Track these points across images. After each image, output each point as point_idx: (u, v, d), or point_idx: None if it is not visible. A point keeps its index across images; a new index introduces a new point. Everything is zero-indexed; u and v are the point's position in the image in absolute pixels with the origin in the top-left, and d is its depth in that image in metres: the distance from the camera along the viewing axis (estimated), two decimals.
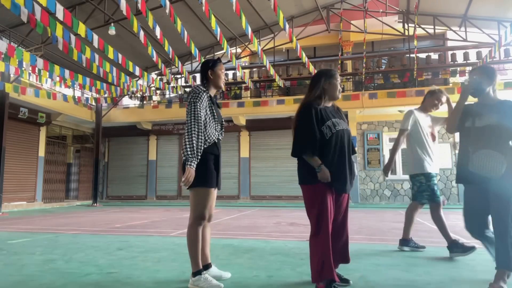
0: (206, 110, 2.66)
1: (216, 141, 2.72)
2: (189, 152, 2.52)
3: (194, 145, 2.53)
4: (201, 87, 2.72)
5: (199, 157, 2.56)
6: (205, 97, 2.66)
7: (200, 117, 2.59)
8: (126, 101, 16.33)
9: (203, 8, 7.03)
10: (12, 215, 9.65)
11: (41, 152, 13.49)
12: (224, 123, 2.91)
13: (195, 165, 2.53)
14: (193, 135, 2.54)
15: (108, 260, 3.58)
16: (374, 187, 13.92)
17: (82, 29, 6.90)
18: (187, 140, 2.54)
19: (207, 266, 2.82)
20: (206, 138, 2.64)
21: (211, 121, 2.67)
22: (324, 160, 2.53)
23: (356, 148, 2.97)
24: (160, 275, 3.01)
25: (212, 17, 7.46)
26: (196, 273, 2.60)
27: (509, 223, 2.37)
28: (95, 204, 13.95)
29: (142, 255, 3.86)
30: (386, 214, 9.09)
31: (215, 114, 2.72)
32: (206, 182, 2.60)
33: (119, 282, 2.80)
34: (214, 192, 2.82)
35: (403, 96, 12.03)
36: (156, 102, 15.68)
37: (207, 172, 2.61)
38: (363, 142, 14.16)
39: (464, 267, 3.23)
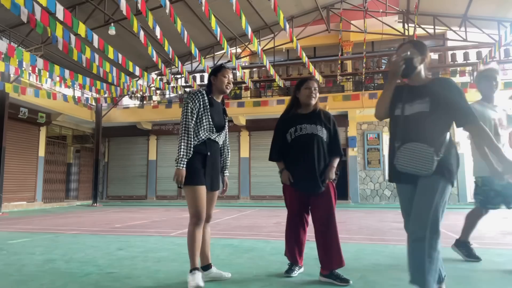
0: (200, 110, 2.71)
1: (207, 140, 2.74)
2: (178, 154, 2.62)
3: (183, 146, 2.61)
4: (200, 89, 2.80)
5: (189, 157, 2.62)
6: (201, 98, 2.73)
7: (190, 117, 2.66)
8: (126, 101, 16.34)
9: (203, 8, 7.03)
10: (12, 215, 9.65)
11: (41, 152, 13.49)
12: (226, 125, 2.92)
13: (183, 166, 2.59)
14: (183, 136, 2.63)
15: (108, 260, 3.58)
16: (374, 187, 13.93)
17: (82, 29, 6.90)
18: (179, 140, 2.65)
19: (207, 267, 2.82)
20: (195, 136, 2.70)
21: (203, 121, 2.71)
22: (286, 162, 2.95)
23: (342, 149, 2.96)
24: (160, 275, 3.01)
25: (212, 17, 7.46)
26: (192, 270, 2.62)
27: (426, 233, 1.95)
28: (95, 204, 13.95)
29: (142, 255, 3.87)
30: (386, 214, 9.09)
31: (211, 115, 2.74)
32: (191, 180, 2.63)
33: (119, 282, 2.80)
34: (213, 192, 2.82)
35: None
36: (156, 102, 15.68)
37: (191, 170, 2.64)
38: (363, 142, 14.16)
39: (464, 267, 3.24)
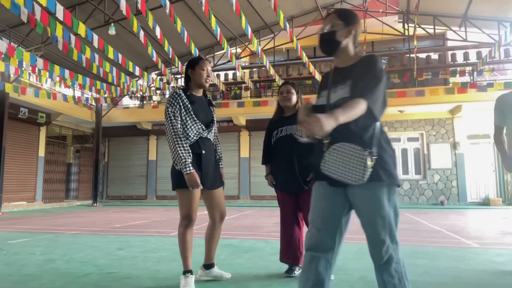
0: (181, 112, 2.58)
1: (199, 139, 2.63)
2: (177, 161, 2.49)
3: (181, 151, 2.49)
4: (176, 89, 2.66)
5: (190, 158, 2.50)
6: (179, 99, 2.59)
7: (175, 121, 2.54)
8: (126, 101, 16.33)
9: (203, 8, 7.03)
10: (12, 215, 9.65)
11: (41, 152, 13.49)
12: (214, 121, 2.78)
13: (190, 169, 2.47)
14: (176, 141, 2.50)
15: (108, 260, 3.58)
16: None
17: (82, 29, 6.90)
18: (172, 149, 2.51)
19: (210, 266, 2.83)
20: (185, 139, 2.57)
21: (188, 122, 2.59)
22: (272, 164, 3.12)
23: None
24: (160, 275, 3.01)
25: (212, 17, 7.46)
26: (185, 272, 2.58)
27: (390, 252, 1.65)
28: (95, 204, 13.95)
29: (142, 255, 3.87)
30: None
31: (194, 113, 2.61)
32: (184, 182, 2.50)
33: (119, 282, 2.80)
34: (216, 191, 2.74)
35: (403, 96, 12.03)
36: (156, 102, 15.67)
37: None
38: None
39: (464, 267, 3.23)
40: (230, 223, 7.17)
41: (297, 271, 2.96)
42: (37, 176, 13.26)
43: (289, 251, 2.98)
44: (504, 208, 11.45)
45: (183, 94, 2.62)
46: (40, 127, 13.37)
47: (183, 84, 12.67)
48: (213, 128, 2.78)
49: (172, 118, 2.55)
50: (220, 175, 2.83)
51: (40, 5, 5.89)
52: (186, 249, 2.60)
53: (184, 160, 2.47)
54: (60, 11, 6.04)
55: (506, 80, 12.31)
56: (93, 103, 13.37)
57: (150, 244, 4.55)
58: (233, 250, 4.11)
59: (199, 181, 2.49)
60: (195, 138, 2.62)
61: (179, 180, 2.54)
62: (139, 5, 6.70)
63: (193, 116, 2.61)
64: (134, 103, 16.29)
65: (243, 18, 7.43)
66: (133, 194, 16.08)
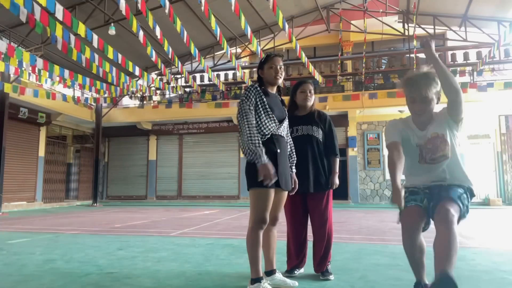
0: (257, 106, 2.51)
1: (274, 137, 2.53)
2: (251, 153, 2.41)
3: (255, 142, 2.40)
4: (252, 84, 2.61)
5: (262, 151, 2.39)
6: (255, 92, 2.53)
7: (249, 115, 2.46)
8: (126, 101, 16.33)
9: (203, 8, 7.03)
10: (12, 215, 9.65)
11: (41, 152, 13.49)
12: (286, 117, 2.67)
13: (265, 160, 2.36)
14: (247, 135, 2.41)
15: (108, 260, 3.58)
16: (374, 187, 13.92)
17: (82, 29, 6.90)
18: (244, 141, 2.43)
19: (271, 272, 2.66)
20: (260, 133, 2.50)
21: (263, 115, 2.50)
22: None
23: (337, 149, 2.97)
24: (160, 275, 3.00)
25: (212, 17, 7.46)
26: (255, 280, 2.38)
27: None
28: (95, 204, 13.95)
29: (142, 255, 3.86)
30: (386, 214, 9.08)
31: (269, 107, 2.53)
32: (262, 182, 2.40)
33: (119, 282, 2.80)
34: (283, 193, 2.64)
35: (403, 96, 12.00)
36: (156, 102, 15.68)
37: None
38: (363, 142, 14.16)
39: (464, 267, 3.23)
40: (229, 223, 7.17)
41: (297, 272, 2.96)
42: (37, 176, 13.26)
43: (300, 256, 2.97)
44: (504, 208, 11.45)
45: (258, 88, 2.57)
46: (40, 127, 13.37)
47: (183, 84, 12.61)
48: (286, 127, 2.68)
49: (248, 111, 2.46)
50: (290, 177, 2.68)
51: (40, 5, 5.89)
52: (259, 254, 2.43)
53: (259, 150, 2.37)
54: (59, 11, 6.04)
55: (506, 80, 12.31)
56: (93, 103, 13.36)
57: (150, 244, 4.56)
58: (233, 250, 4.11)
59: (273, 173, 2.35)
60: (267, 134, 2.51)
61: (257, 179, 2.39)
62: (139, 5, 6.70)
63: (268, 110, 2.52)
64: (134, 103, 16.30)
65: (243, 18, 7.43)
66: (133, 194, 16.08)
